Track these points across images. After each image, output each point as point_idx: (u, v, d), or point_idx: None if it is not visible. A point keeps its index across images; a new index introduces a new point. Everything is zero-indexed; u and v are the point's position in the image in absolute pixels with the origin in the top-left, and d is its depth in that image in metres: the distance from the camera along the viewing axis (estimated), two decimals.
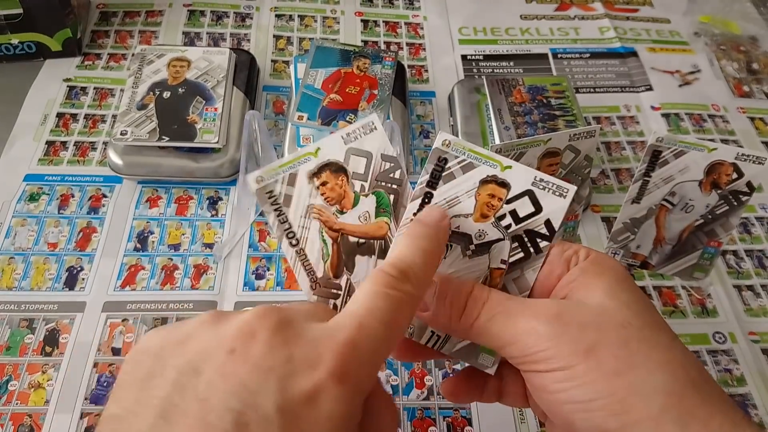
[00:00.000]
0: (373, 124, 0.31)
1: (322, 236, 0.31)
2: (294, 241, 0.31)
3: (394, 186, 0.32)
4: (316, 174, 0.31)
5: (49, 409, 0.42)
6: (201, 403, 0.20)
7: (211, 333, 0.23)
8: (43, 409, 0.42)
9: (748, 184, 0.42)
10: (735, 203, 0.43)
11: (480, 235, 0.31)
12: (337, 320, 0.24)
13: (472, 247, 0.31)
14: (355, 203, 0.32)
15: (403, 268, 0.26)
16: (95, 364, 0.44)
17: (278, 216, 0.31)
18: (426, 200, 0.31)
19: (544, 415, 0.32)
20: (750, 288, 0.53)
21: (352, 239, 0.32)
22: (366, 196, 0.32)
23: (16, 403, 0.42)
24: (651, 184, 0.43)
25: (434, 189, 0.31)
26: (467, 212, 0.31)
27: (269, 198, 0.31)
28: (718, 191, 0.42)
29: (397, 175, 0.32)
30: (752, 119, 0.67)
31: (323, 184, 0.31)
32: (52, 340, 0.45)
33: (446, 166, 0.31)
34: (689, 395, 0.25)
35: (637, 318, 0.27)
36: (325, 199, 0.31)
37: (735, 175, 0.42)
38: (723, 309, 0.52)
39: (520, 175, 0.30)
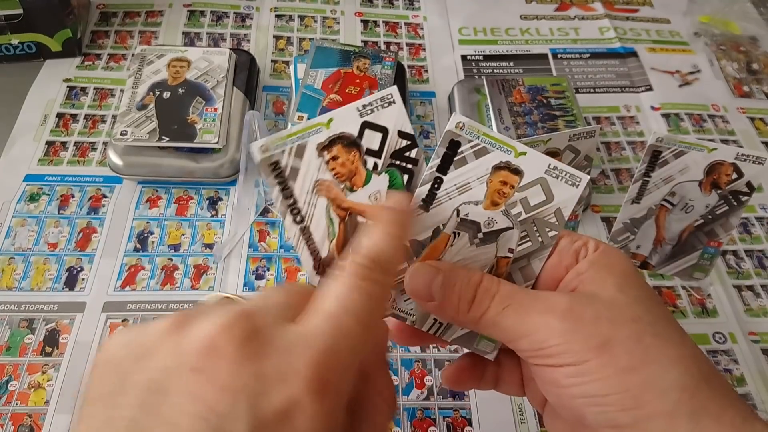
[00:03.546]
0: (392, 96, 0.29)
1: (329, 214, 0.30)
2: (298, 218, 0.29)
3: (409, 166, 0.30)
4: (326, 147, 0.29)
5: (49, 410, 0.42)
6: (170, 427, 0.19)
7: (172, 347, 0.21)
8: (43, 409, 0.42)
9: (748, 184, 0.42)
10: (735, 203, 0.43)
11: (489, 223, 0.30)
12: (312, 323, 0.22)
13: (480, 235, 0.30)
14: (367, 181, 0.30)
15: (374, 257, 0.25)
16: None
17: (282, 190, 0.29)
18: (436, 186, 0.30)
19: (541, 405, 0.32)
20: (750, 288, 0.53)
21: (360, 219, 0.30)
22: (379, 174, 0.30)
23: (16, 403, 0.42)
24: (651, 184, 0.43)
25: (444, 174, 0.29)
26: (477, 199, 0.30)
27: (273, 170, 0.29)
28: (718, 191, 0.42)
29: (413, 154, 0.30)
30: (752, 119, 0.67)
31: (334, 158, 0.29)
32: (52, 340, 0.45)
33: (458, 151, 0.29)
34: (702, 390, 0.25)
35: (649, 313, 0.27)
36: (334, 174, 0.29)
37: (735, 175, 0.42)
38: (723, 309, 0.52)
39: (534, 162, 0.29)
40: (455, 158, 0.29)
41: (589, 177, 0.29)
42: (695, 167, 0.42)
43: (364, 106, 0.29)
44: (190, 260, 0.51)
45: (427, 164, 0.30)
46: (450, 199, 0.30)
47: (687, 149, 0.41)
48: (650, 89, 0.69)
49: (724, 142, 0.64)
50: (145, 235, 0.52)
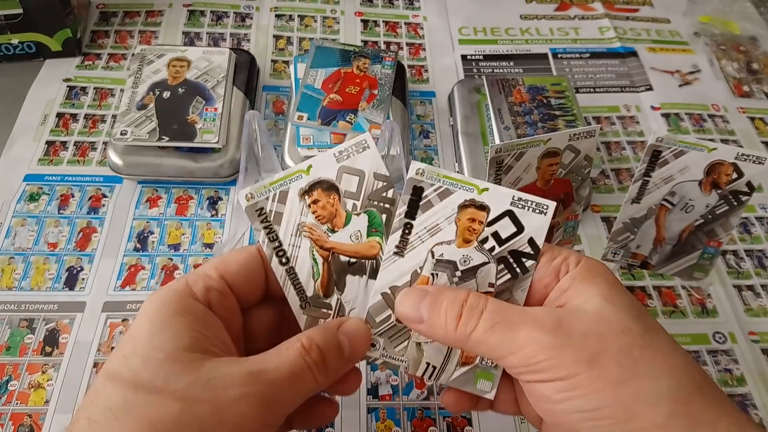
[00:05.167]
0: (366, 142, 0.31)
1: (313, 255, 0.31)
2: (284, 260, 0.31)
3: (387, 205, 0.31)
4: (307, 192, 0.31)
5: (49, 409, 0.42)
6: None
7: None
8: (43, 409, 0.42)
9: (748, 184, 0.42)
10: (735, 203, 0.43)
11: (465, 261, 0.31)
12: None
13: (458, 273, 0.31)
14: (347, 222, 0.31)
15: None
16: (95, 364, 0.44)
17: (268, 234, 0.31)
18: (406, 231, 0.31)
19: (537, 421, 0.32)
20: (750, 288, 0.53)
21: (343, 258, 0.32)
22: (358, 215, 0.31)
23: (16, 403, 0.42)
24: (651, 184, 0.43)
25: (413, 219, 0.31)
26: (449, 239, 0.31)
27: (259, 215, 0.31)
28: (718, 191, 0.42)
29: (389, 194, 0.31)
30: (752, 119, 0.67)
31: (314, 202, 0.31)
32: (52, 340, 0.45)
33: (423, 195, 0.30)
34: (695, 400, 0.25)
35: (637, 323, 0.27)
36: (316, 217, 0.31)
37: (735, 175, 0.42)
38: (723, 309, 0.52)
39: (498, 197, 0.30)
40: (421, 203, 0.31)
41: (555, 204, 0.30)
42: (695, 167, 0.42)
43: (340, 152, 0.31)
44: (190, 260, 0.51)
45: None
46: (422, 242, 0.31)
47: (687, 149, 0.41)
48: (650, 89, 0.69)
49: (724, 142, 0.64)
50: (145, 234, 0.52)
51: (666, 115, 0.66)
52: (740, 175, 0.41)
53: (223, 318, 0.29)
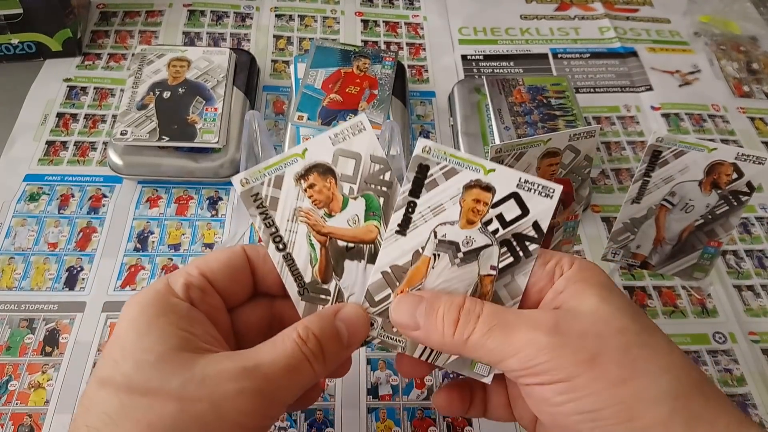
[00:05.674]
0: (361, 124, 0.31)
1: (310, 240, 0.31)
2: (281, 246, 0.31)
3: (384, 188, 0.31)
4: (303, 176, 0.30)
5: (49, 409, 0.42)
6: None
7: None
8: (43, 409, 0.42)
9: (748, 184, 0.42)
10: (735, 203, 0.43)
11: (468, 242, 0.30)
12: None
13: (461, 255, 0.30)
14: (344, 206, 0.31)
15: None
16: (95, 364, 0.44)
17: (264, 219, 0.30)
18: (410, 209, 0.30)
19: (531, 424, 0.32)
20: (750, 288, 0.53)
21: (340, 243, 0.31)
22: (355, 198, 0.31)
23: (16, 403, 0.42)
24: (651, 184, 0.43)
25: (417, 198, 0.30)
26: (453, 219, 0.30)
27: (255, 201, 0.30)
28: (718, 191, 0.42)
29: (386, 177, 0.31)
30: (752, 119, 0.67)
31: (311, 186, 0.31)
32: (52, 340, 0.45)
33: (428, 174, 0.30)
34: (695, 398, 0.25)
35: (633, 323, 0.27)
36: (312, 202, 0.31)
37: (735, 175, 0.42)
38: (723, 309, 0.52)
39: (505, 178, 0.30)
40: (426, 181, 0.30)
41: (561, 187, 0.30)
42: (695, 167, 0.42)
43: (336, 135, 0.31)
44: (190, 260, 0.51)
45: (401, 186, 0.31)
46: (426, 221, 0.30)
47: (687, 149, 0.41)
48: (650, 89, 0.69)
49: (724, 142, 0.64)
50: (145, 234, 0.52)
51: (666, 115, 0.66)
52: (740, 175, 0.41)
53: (208, 315, 0.29)
